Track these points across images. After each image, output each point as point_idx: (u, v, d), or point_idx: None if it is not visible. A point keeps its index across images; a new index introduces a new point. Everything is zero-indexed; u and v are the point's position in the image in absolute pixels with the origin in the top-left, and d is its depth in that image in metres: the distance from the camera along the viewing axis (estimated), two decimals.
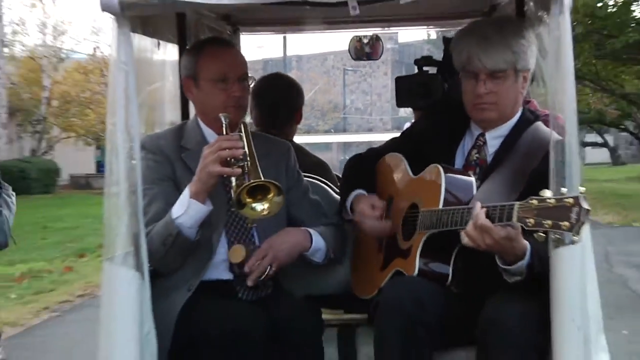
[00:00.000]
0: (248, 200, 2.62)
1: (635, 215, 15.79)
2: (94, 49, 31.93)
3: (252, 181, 2.62)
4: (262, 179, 2.63)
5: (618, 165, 37.86)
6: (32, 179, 26.97)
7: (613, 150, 40.97)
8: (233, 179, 2.70)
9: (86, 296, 9.32)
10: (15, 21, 30.85)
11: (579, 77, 18.29)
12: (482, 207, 2.39)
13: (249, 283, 2.78)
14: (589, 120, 27.69)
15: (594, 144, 37.89)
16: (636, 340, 6.24)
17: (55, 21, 31.72)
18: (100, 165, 31.92)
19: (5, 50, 29.07)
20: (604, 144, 39.24)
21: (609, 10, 16.70)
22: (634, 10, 17.20)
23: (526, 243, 2.42)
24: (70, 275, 11.03)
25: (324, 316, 2.98)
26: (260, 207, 2.61)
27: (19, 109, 30.33)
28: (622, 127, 31.73)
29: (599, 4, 16.19)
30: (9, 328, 7.39)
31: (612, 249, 11.70)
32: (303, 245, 2.95)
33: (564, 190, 2.20)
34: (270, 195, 2.61)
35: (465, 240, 2.44)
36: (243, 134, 2.82)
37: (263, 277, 2.80)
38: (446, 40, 3.53)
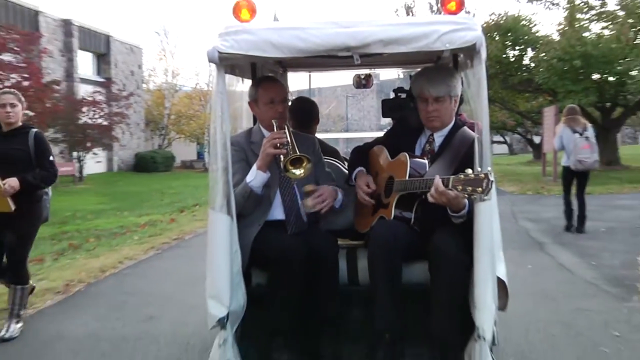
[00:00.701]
0: (290, 167, 3.55)
1: (528, 186, 18.96)
2: (195, 84, 42.08)
3: (293, 154, 3.53)
4: (298, 153, 3.55)
5: (512, 155, 49.31)
6: (158, 163, 36.34)
7: (510, 146, 53.38)
8: (281, 157, 3.60)
9: (178, 239, 11.02)
10: (150, 68, 42.22)
11: (491, 101, 22.37)
12: (441, 179, 3.18)
13: (318, 208, 3.78)
14: (496, 127, 36.60)
15: (498, 142, 48.47)
16: (537, 272, 7.27)
17: (172, 68, 43.37)
18: (199, 155, 42.76)
19: (144, 85, 40.15)
20: (505, 142, 51.25)
21: (510, 59, 22.28)
22: (524, 60, 22.51)
23: (466, 200, 3.25)
24: (173, 225, 13.00)
25: (338, 242, 3.83)
26: (299, 172, 3.56)
27: (151, 120, 40.27)
28: (516, 131, 41.81)
29: (504, 55, 21.73)
30: (127, 261, 8.79)
31: (516, 209, 13.90)
32: (335, 195, 3.87)
33: (479, 169, 3.05)
34: (304, 164, 3.56)
35: (430, 199, 3.23)
36: (286, 131, 3.70)
37: (323, 209, 3.78)
38: (410, 77, 4.60)
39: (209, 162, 3.58)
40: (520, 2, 22.89)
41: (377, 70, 5.75)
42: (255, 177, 3.64)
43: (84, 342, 5.11)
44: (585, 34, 19.85)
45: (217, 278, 3.32)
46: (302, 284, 3.53)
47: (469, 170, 3.04)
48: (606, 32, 19.90)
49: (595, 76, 20.73)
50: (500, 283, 3.23)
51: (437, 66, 4.31)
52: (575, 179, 10.10)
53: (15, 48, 21.04)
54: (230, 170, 3.40)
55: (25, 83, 20.79)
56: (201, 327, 4.45)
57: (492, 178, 2.93)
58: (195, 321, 5.30)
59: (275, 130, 3.77)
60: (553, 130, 15.93)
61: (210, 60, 3.21)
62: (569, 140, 9.79)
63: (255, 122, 4.25)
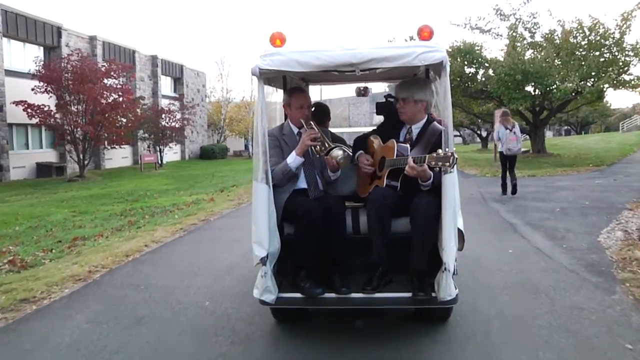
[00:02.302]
0: (331, 152, 3.58)
1: (486, 170, 16.96)
2: (242, 97, 42.02)
3: (330, 144, 3.60)
4: (332, 145, 3.63)
5: (465, 145, 46.61)
6: (216, 152, 35.39)
7: (463, 138, 50.15)
8: (316, 147, 3.60)
9: (205, 221, 8.81)
10: (211, 87, 42.16)
11: (453, 105, 22.41)
12: (412, 158, 3.22)
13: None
14: (456, 125, 33.21)
15: (455, 135, 45.41)
16: (519, 258, 5.51)
17: (227, 86, 47.39)
18: (245, 146, 41.32)
19: (207, 99, 40.16)
20: (460, 135, 47.95)
21: (468, 75, 20.42)
22: (478, 75, 20.59)
23: (431, 172, 3.26)
24: (209, 205, 10.90)
25: (345, 204, 3.74)
26: (338, 152, 3.60)
27: (212, 123, 40.11)
28: (469, 127, 39.40)
29: (464, 71, 20.10)
30: (153, 244, 6.97)
31: (483, 191, 11.71)
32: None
33: (447, 149, 3.08)
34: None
35: (406, 172, 3.25)
36: (316, 128, 3.64)
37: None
38: (394, 88, 4.31)
39: (253, 148, 3.46)
40: (474, 33, 21.00)
41: (371, 84, 5.51)
42: (294, 160, 3.62)
43: (62, 353, 3.57)
44: (526, 56, 18.43)
45: (259, 229, 3.28)
46: (319, 234, 3.49)
47: (440, 150, 3.08)
48: (538, 55, 18.08)
49: (529, 88, 19.56)
50: (459, 232, 3.25)
51: (410, 78, 4.05)
52: (507, 161, 10.39)
53: (114, 75, 21.88)
54: (268, 153, 3.38)
55: (120, 99, 21.64)
56: (187, 337, 3.73)
57: (456, 155, 3.01)
58: (181, 326, 3.96)
59: (304, 126, 3.73)
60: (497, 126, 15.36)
61: (253, 74, 3.22)
62: (502, 134, 10.16)
63: (285, 119, 4.02)
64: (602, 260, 5.34)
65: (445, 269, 3.08)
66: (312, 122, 3.71)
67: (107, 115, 20.64)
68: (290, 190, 3.64)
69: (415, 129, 3.63)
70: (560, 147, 25.95)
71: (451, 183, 3.11)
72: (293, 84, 4.41)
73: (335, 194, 3.85)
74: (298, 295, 3.37)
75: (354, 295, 3.32)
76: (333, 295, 3.34)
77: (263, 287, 3.28)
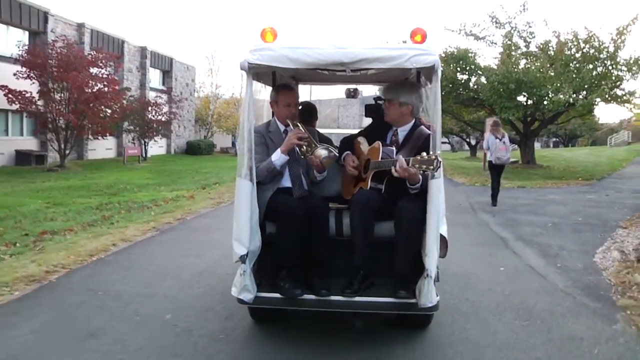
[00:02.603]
0: (315, 151, 3.47)
1: (475, 179, 16.32)
2: (232, 94, 40.76)
3: (316, 145, 3.50)
4: (318, 144, 3.54)
5: (454, 152, 46.49)
6: (202, 148, 34.41)
7: (452, 146, 50.08)
8: (302, 148, 3.50)
9: (181, 220, 8.28)
10: (201, 82, 40.98)
11: (445, 112, 22.57)
12: (403, 160, 3.07)
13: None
14: (445, 132, 34.06)
15: (443, 142, 44.15)
16: (511, 277, 5.11)
17: (216, 82, 46.25)
18: (233, 143, 39.71)
19: (196, 94, 38.96)
20: (448, 142, 47.64)
21: (461, 81, 19.90)
22: (470, 82, 20.03)
23: (421, 177, 3.17)
24: (189, 202, 10.43)
25: (329, 205, 3.67)
26: (323, 152, 3.49)
27: (199, 118, 39.06)
28: (458, 135, 39.07)
29: (457, 77, 19.55)
30: (122, 243, 6.48)
31: (472, 201, 11.22)
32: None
33: (431, 153, 2.98)
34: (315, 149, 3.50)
35: (395, 174, 3.13)
36: (302, 128, 3.53)
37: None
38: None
39: (238, 143, 3.36)
40: (468, 39, 20.57)
41: (361, 87, 5.44)
42: (279, 158, 3.51)
43: None
44: (520, 65, 18.08)
45: (240, 226, 3.19)
46: (302, 234, 3.37)
47: (424, 153, 3.00)
48: (532, 65, 17.71)
49: (520, 98, 19.17)
50: (442, 239, 3.17)
51: (399, 81, 3.96)
52: (495, 170, 10.40)
53: (100, 64, 21.13)
54: (253, 150, 3.28)
55: (105, 89, 20.95)
56: (142, 355, 3.31)
57: (440, 159, 2.94)
58: (137, 342, 3.50)
59: (291, 125, 3.63)
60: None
61: (242, 69, 3.14)
62: (492, 143, 10.08)
63: (272, 116, 3.92)
64: (600, 283, 4.97)
65: (427, 275, 3.03)
66: (298, 123, 3.61)
67: (91, 105, 20.00)
68: (274, 188, 3.56)
69: (402, 132, 3.57)
70: (549, 159, 25.76)
71: (437, 188, 3.07)
72: (282, 82, 4.23)
73: (320, 194, 3.76)
74: (277, 295, 3.28)
75: (333, 297, 3.23)
76: (313, 296, 3.26)
77: (241, 286, 3.18)
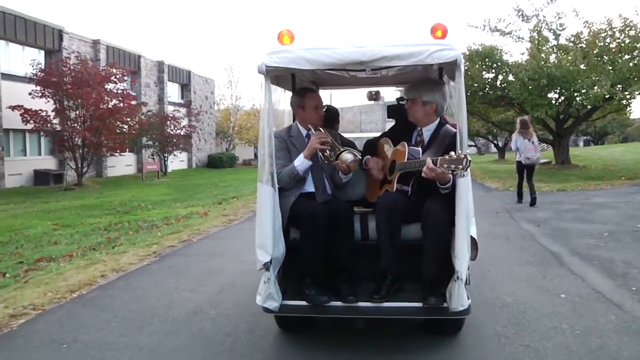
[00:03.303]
0: (340, 156, 3.37)
1: (508, 183, 14.74)
2: (252, 105, 40.69)
3: (339, 147, 3.45)
4: (338, 146, 3.48)
5: (480, 155, 44.87)
6: (224, 161, 33.88)
7: (478, 148, 48.30)
8: (325, 152, 3.41)
9: (186, 242, 7.30)
10: (220, 94, 40.94)
11: (471, 113, 21.84)
12: (431, 160, 2.94)
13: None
14: (472, 134, 34.01)
15: (470, 145, 43.27)
16: (576, 307, 4.02)
17: (236, 94, 44.89)
18: (255, 155, 38.54)
19: (216, 106, 38.94)
20: (475, 145, 46.32)
21: (487, 80, 18.53)
22: (497, 80, 18.51)
23: (450, 175, 2.99)
24: (200, 220, 9.51)
25: (354, 209, 3.55)
26: (348, 156, 3.36)
27: (220, 131, 39.06)
28: (485, 137, 37.47)
29: (483, 76, 18.21)
30: (112, 273, 5.61)
31: (509, 207, 10.08)
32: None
33: (459, 152, 2.87)
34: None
35: (424, 175, 2.99)
36: (326, 132, 3.46)
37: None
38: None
39: (259, 149, 3.21)
40: (493, 35, 19.41)
41: (383, 90, 5.04)
42: (302, 163, 3.41)
43: None
44: (550, 59, 16.81)
45: (263, 233, 3.10)
46: (326, 239, 3.28)
47: (452, 153, 2.87)
48: (564, 58, 16.63)
49: (551, 94, 17.73)
50: (472, 240, 3.02)
51: (421, 80, 3.67)
52: (525, 170, 10.19)
53: (114, 79, 20.70)
54: (274, 155, 3.19)
55: (120, 105, 20.55)
56: None
57: (469, 158, 2.81)
58: None
59: (314, 130, 3.54)
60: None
61: (260, 72, 3.06)
62: (521, 144, 9.93)
63: (293, 121, 3.79)
64: None
65: (457, 277, 2.90)
66: (320, 127, 3.54)
67: (106, 121, 19.50)
68: (297, 193, 3.45)
69: (427, 131, 3.47)
70: (583, 158, 24.12)
71: (465, 188, 2.94)
72: (303, 86, 4.12)
73: (344, 198, 3.67)
74: (303, 303, 3.18)
75: (361, 304, 3.13)
76: (339, 303, 3.16)
77: (266, 294, 3.08)
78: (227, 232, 8.27)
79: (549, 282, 4.80)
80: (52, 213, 12.37)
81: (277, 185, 3.18)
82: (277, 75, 3.37)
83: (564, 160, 19.71)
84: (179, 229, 8.66)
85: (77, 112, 19.22)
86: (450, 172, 2.89)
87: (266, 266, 3.03)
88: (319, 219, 3.20)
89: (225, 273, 5.42)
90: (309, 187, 3.49)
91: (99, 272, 5.63)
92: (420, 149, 3.32)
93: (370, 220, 3.43)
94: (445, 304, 2.96)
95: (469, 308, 2.94)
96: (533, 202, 9.98)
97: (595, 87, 15.66)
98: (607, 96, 15.98)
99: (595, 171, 17.91)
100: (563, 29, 17.82)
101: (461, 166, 2.77)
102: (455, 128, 3.14)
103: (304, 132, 3.61)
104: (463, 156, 2.77)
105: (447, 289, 2.97)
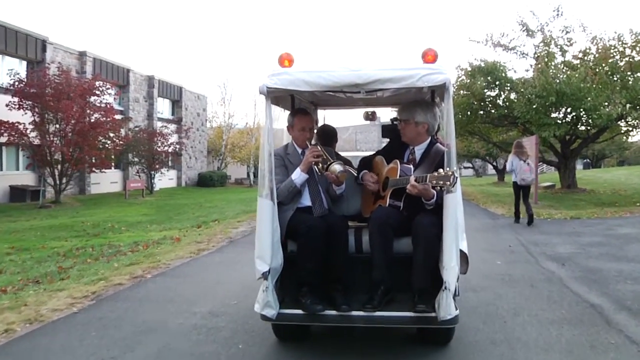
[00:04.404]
0: (330, 167, 3.52)
1: (513, 208, 11.71)
2: (246, 123, 39.96)
3: (331, 160, 3.56)
4: (332, 160, 3.58)
5: (478, 177, 44.01)
6: (215, 180, 32.96)
7: (476, 170, 47.10)
8: (318, 165, 3.59)
9: (138, 279, 6.01)
10: (213, 111, 40.17)
11: (471, 133, 21.35)
12: (414, 178, 3.21)
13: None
14: (471, 155, 33.48)
15: (466, 167, 44.39)
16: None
17: (229, 111, 45.77)
18: (248, 174, 38.58)
19: (208, 124, 38.05)
20: (472, 167, 45.88)
21: (490, 98, 17.70)
22: (500, 97, 17.66)
23: (434, 191, 3.24)
24: (169, 247, 8.34)
25: (349, 223, 3.64)
26: (338, 167, 3.52)
27: (212, 149, 38.12)
28: (484, 158, 35.89)
29: (486, 93, 17.30)
30: (51, 313, 4.64)
31: (524, 240, 8.53)
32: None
33: (447, 169, 3.05)
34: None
35: (408, 190, 3.23)
36: (319, 146, 3.65)
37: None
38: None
39: (259, 165, 3.39)
40: (496, 50, 18.34)
41: (379, 111, 5.07)
42: (299, 176, 3.57)
43: None
44: (559, 75, 15.59)
45: (262, 244, 3.25)
46: (322, 251, 3.39)
47: (441, 170, 3.05)
48: (573, 74, 15.33)
49: (554, 115, 16.67)
50: (462, 254, 3.20)
51: (414, 101, 3.81)
52: (521, 191, 10.47)
53: (97, 92, 19.59)
54: (273, 171, 3.35)
55: (103, 119, 19.45)
56: None
57: (456, 174, 2.99)
58: None
59: (309, 146, 3.71)
60: (535, 156, 14.19)
61: (261, 93, 3.22)
62: (517, 165, 10.21)
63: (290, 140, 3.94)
64: None
65: (445, 288, 3.01)
66: (318, 143, 3.81)
67: (87, 135, 18.24)
68: (294, 207, 3.59)
69: (419, 150, 3.64)
70: (587, 181, 22.77)
71: (453, 202, 3.07)
72: (302, 107, 4.24)
73: (339, 214, 3.82)
74: (299, 311, 3.29)
75: (354, 313, 3.23)
76: (334, 312, 3.25)
77: (264, 302, 3.21)
78: (190, 267, 6.82)
79: (597, 355, 3.44)
80: (15, 234, 11.37)
81: (276, 200, 3.34)
82: (277, 96, 3.52)
83: (570, 184, 18.47)
84: (139, 259, 7.34)
85: (57, 126, 17.98)
86: (439, 188, 3.09)
87: (264, 275, 3.19)
88: (315, 231, 3.35)
89: (163, 332, 4.03)
90: (306, 201, 3.66)
91: (6, 324, 4.27)
92: (412, 166, 3.52)
93: (364, 233, 3.56)
94: (434, 313, 3.08)
95: (456, 317, 3.06)
96: (530, 220, 10.29)
97: (608, 105, 14.49)
98: (621, 115, 14.82)
99: (605, 196, 16.66)
100: (571, 45, 16.72)
101: (449, 182, 2.99)
102: (446, 145, 3.26)
103: (299, 150, 3.78)
104: (450, 173, 3.00)
105: (436, 299, 3.09)
